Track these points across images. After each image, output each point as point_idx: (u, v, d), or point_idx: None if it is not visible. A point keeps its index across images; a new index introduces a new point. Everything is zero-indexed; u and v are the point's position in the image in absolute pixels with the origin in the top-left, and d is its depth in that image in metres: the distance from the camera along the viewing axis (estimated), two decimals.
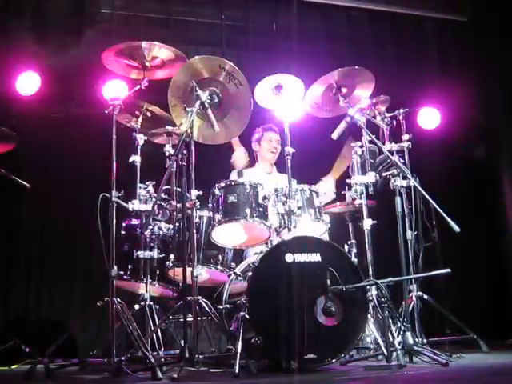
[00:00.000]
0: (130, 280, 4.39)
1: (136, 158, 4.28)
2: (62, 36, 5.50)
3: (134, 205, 4.14)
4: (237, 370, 3.25)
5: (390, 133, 4.43)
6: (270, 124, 5.11)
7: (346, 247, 4.52)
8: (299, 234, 3.79)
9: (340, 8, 6.21)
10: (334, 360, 3.47)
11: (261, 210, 4.00)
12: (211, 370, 3.59)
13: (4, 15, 5.37)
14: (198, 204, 3.80)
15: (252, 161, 5.32)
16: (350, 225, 4.78)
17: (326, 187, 4.92)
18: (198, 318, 3.76)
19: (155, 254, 4.27)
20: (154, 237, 4.31)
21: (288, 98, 4.19)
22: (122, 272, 4.26)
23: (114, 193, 3.71)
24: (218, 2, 6.06)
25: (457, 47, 6.39)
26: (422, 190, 3.89)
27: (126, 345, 3.92)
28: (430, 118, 5.44)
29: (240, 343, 3.41)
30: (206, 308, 3.77)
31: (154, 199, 4.20)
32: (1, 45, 5.32)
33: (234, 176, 5.07)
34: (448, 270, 3.59)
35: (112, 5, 5.72)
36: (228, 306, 4.05)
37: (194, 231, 3.72)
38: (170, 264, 4.23)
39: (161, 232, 4.35)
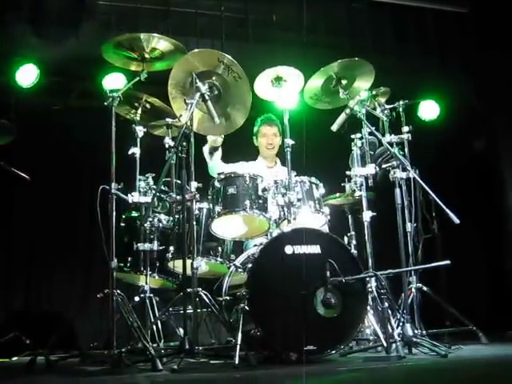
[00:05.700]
0: (129, 272, 4.40)
1: (135, 150, 4.28)
2: (61, 28, 5.48)
3: (133, 197, 4.14)
4: (237, 362, 3.25)
5: (389, 124, 4.43)
6: (268, 115, 5.04)
7: (346, 239, 4.51)
8: (299, 226, 3.78)
9: None
10: (333, 351, 3.48)
11: (260, 201, 3.99)
12: (211, 362, 3.60)
13: (3, 8, 5.35)
14: (197, 196, 3.80)
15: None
16: (349, 217, 4.77)
17: None
18: (198, 310, 3.76)
19: (155, 246, 4.28)
20: (153, 229, 4.32)
21: (288, 89, 4.18)
22: (121, 264, 4.26)
23: (113, 185, 3.71)
24: None
25: (457, 39, 6.37)
26: (421, 181, 3.89)
27: (127, 336, 3.93)
28: (429, 109, 5.43)
29: (240, 335, 3.40)
30: (206, 300, 3.76)
31: (153, 191, 4.20)
32: (0, 37, 5.30)
33: (235, 168, 5.02)
34: (448, 262, 3.59)
35: None
36: (228, 297, 4.05)
37: (194, 223, 3.73)
38: (170, 256, 4.23)
39: (160, 224, 4.35)
